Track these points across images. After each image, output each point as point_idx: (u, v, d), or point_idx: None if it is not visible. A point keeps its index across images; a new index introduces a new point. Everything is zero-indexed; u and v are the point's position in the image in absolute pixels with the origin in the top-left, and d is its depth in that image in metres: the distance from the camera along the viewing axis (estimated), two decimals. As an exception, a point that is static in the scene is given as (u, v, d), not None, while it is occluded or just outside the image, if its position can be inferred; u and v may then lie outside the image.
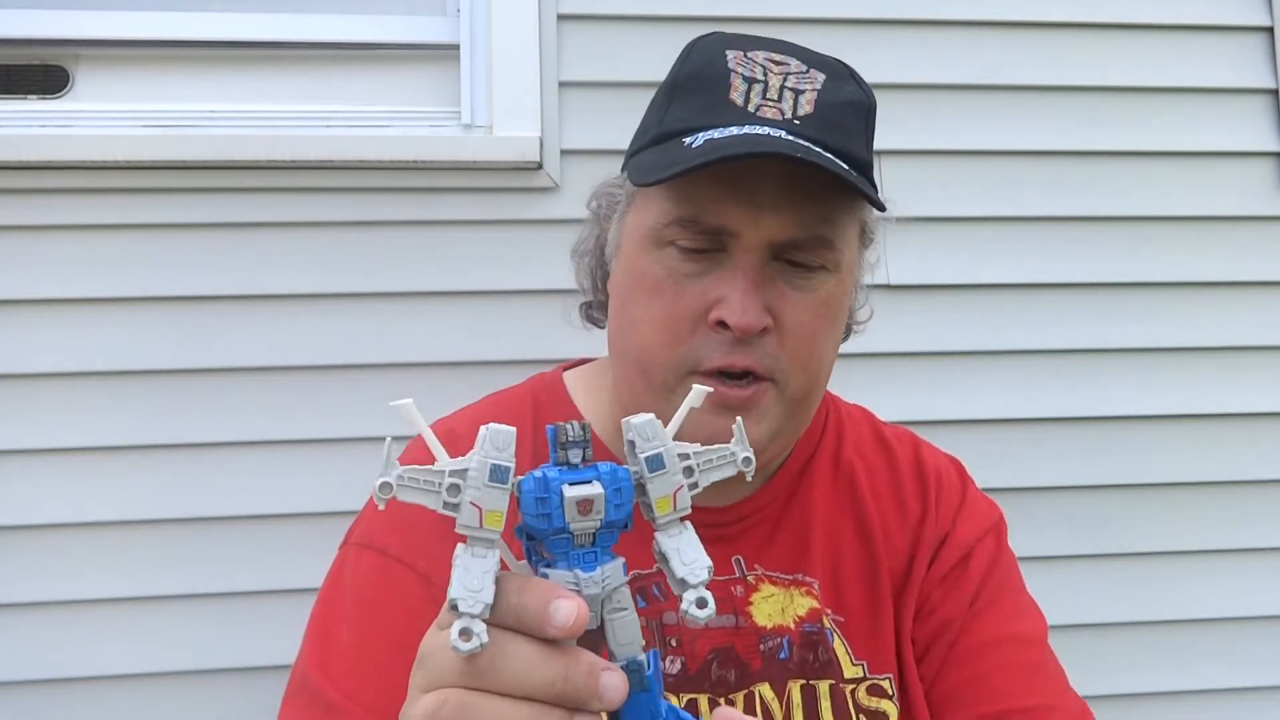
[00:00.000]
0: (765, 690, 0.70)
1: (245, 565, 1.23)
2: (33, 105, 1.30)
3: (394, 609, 0.66)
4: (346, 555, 0.72)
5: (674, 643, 0.70)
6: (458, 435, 0.72)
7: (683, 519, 0.42)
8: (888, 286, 1.37)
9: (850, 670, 0.72)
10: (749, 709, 0.69)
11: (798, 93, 0.66)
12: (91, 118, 1.29)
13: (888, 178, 1.38)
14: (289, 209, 1.29)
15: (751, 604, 0.72)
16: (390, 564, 0.68)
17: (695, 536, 0.42)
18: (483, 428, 0.38)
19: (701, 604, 0.40)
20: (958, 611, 0.74)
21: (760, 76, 0.66)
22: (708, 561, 0.41)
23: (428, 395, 1.06)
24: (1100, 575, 1.36)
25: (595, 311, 0.82)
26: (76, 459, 1.22)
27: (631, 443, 0.41)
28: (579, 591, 0.38)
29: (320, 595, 0.71)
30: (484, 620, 0.37)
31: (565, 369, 0.84)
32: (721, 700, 0.69)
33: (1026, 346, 1.38)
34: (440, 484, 0.38)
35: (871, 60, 1.40)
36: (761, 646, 0.71)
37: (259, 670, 1.20)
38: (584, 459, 0.39)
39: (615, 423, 0.74)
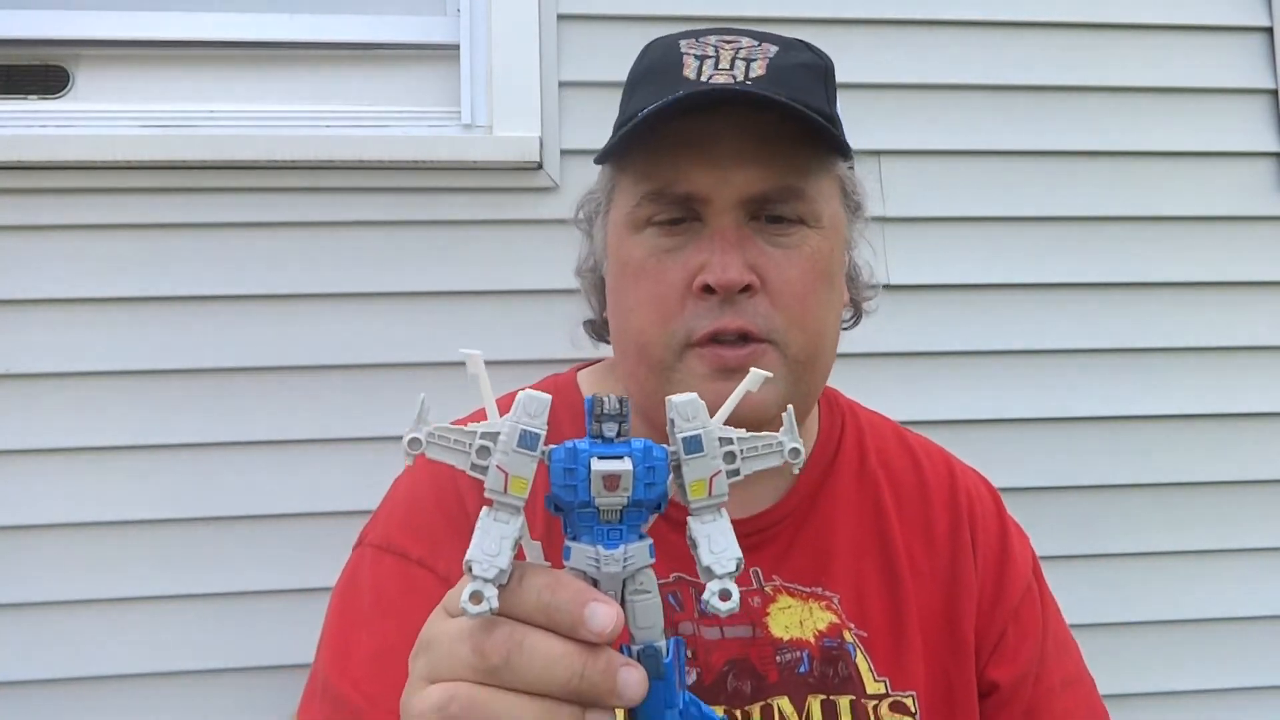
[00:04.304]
0: (784, 704, 0.69)
1: (245, 565, 1.22)
2: (33, 105, 1.30)
3: (416, 612, 0.65)
4: (363, 557, 0.70)
5: (690, 654, 0.68)
6: None
7: (719, 506, 0.40)
8: (888, 286, 1.37)
9: (873, 686, 0.71)
10: None
11: (750, 60, 0.66)
12: (91, 118, 1.29)
13: (887, 177, 1.38)
14: (289, 209, 1.29)
15: (769, 615, 0.71)
16: (410, 567, 0.67)
17: (729, 525, 0.40)
18: (520, 392, 0.37)
19: (725, 596, 0.38)
20: (1035, 651, 0.75)
21: (712, 54, 0.67)
22: (737, 553, 0.39)
23: (429, 395, 1.06)
24: (1100, 576, 1.36)
25: (602, 327, 0.81)
26: (76, 459, 1.22)
27: (672, 421, 0.39)
28: (598, 567, 0.37)
29: (335, 599, 0.69)
30: (497, 586, 0.36)
31: (579, 369, 0.83)
32: (738, 713, 0.68)
33: (1025, 347, 1.38)
34: (470, 445, 0.37)
35: (871, 60, 1.40)
36: (778, 658, 0.70)
37: (259, 670, 1.20)
38: (619, 433, 0.38)
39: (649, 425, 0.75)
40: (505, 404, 0.39)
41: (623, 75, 0.79)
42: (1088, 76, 1.43)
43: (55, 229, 1.25)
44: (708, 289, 0.64)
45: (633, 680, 0.36)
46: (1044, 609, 0.79)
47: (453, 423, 0.38)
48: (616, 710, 0.38)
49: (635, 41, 1.35)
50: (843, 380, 1.32)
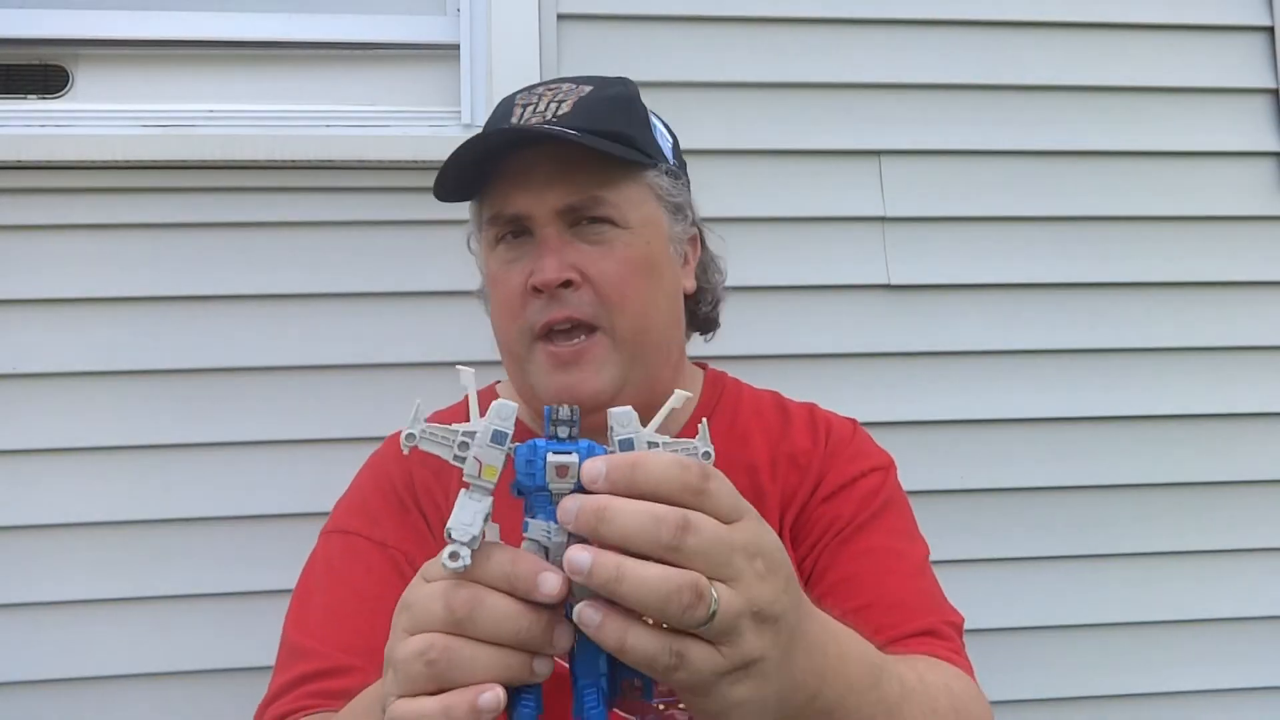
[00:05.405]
0: None
1: (244, 565, 1.22)
2: (33, 105, 1.30)
3: (357, 571, 0.80)
4: (319, 543, 0.86)
5: None
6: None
7: None
8: (888, 286, 1.37)
9: None
10: None
11: (561, 102, 0.80)
12: (91, 117, 1.29)
13: (887, 176, 1.38)
14: (289, 209, 1.29)
15: None
16: (353, 539, 0.82)
17: None
18: (494, 402, 0.46)
19: None
20: (835, 520, 0.81)
21: (535, 101, 0.81)
22: None
23: (429, 395, 1.06)
24: (1101, 576, 1.36)
25: None
26: (76, 459, 1.22)
27: (611, 427, 0.47)
28: (549, 539, 0.46)
29: (298, 582, 0.84)
30: (471, 549, 0.44)
31: (496, 382, 0.98)
32: None
33: (1026, 346, 1.38)
34: (454, 440, 0.46)
35: (871, 60, 1.40)
36: None
37: (259, 670, 1.19)
38: (570, 435, 0.46)
39: (530, 410, 0.87)
40: (484, 400, 0.47)
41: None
42: (1088, 76, 1.43)
43: (55, 229, 1.25)
44: (536, 289, 0.77)
45: (564, 634, 0.45)
46: (874, 494, 0.84)
47: (432, 418, 0.44)
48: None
49: (635, 41, 1.36)
50: (843, 379, 1.33)
